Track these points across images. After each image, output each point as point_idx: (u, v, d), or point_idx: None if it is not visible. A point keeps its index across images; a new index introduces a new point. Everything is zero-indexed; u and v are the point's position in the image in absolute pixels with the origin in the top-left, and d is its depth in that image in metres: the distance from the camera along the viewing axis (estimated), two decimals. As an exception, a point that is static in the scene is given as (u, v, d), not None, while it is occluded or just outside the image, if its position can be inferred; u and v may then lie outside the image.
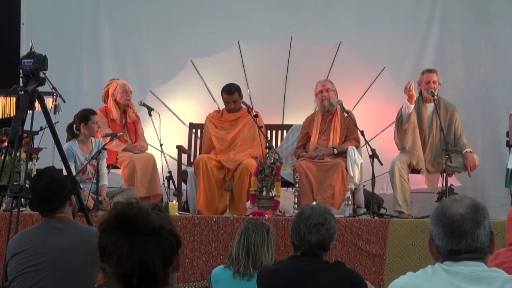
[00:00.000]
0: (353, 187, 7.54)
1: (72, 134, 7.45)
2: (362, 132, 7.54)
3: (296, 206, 7.09)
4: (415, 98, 7.50)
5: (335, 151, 7.76)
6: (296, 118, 8.58)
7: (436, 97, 7.47)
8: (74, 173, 6.37)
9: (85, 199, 6.44)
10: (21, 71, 4.90)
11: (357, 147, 7.79)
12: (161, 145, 7.81)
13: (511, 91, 8.94)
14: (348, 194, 7.41)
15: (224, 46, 9.04)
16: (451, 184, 7.71)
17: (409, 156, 7.50)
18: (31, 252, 4.07)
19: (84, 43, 9.67)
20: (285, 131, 8.66)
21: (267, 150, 7.45)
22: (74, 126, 7.43)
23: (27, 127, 5.03)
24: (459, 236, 2.59)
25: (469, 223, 2.60)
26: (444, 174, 7.29)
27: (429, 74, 7.60)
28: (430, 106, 7.62)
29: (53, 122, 5.51)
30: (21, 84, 5.08)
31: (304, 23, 9.33)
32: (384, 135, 8.16)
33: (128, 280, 2.03)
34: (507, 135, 8.02)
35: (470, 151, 7.49)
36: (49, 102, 7.83)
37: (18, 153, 5.46)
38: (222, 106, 8.40)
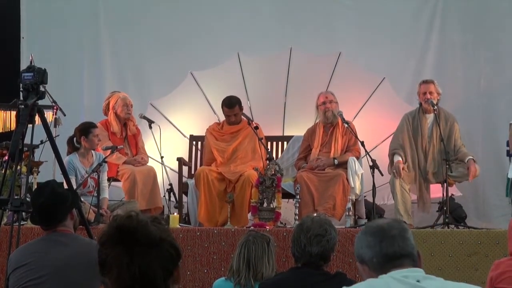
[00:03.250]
0: (354, 197, 7.54)
1: (72, 147, 7.45)
2: (362, 143, 7.53)
3: (297, 217, 7.08)
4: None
5: (336, 161, 7.76)
6: (297, 129, 8.57)
7: (436, 107, 7.48)
8: (74, 187, 6.37)
9: (86, 212, 6.44)
10: (21, 85, 4.90)
11: (357, 158, 7.79)
12: (161, 157, 7.81)
13: (511, 101, 8.95)
14: (349, 204, 7.40)
15: (224, 58, 9.05)
16: (452, 194, 7.71)
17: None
18: (33, 266, 4.05)
19: (84, 57, 9.69)
20: (285, 143, 8.65)
21: (268, 162, 7.45)
22: (75, 139, 7.42)
23: (27, 141, 5.02)
24: (391, 238, 2.57)
25: (397, 228, 2.60)
26: (445, 184, 7.28)
27: (426, 85, 7.65)
28: (430, 117, 7.63)
29: (54, 136, 5.51)
30: (21, 98, 5.07)
31: (304, 35, 9.34)
32: (384, 145, 8.14)
33: (129, 293, 2.03)
34: (507, 145, 8.01)
35: (473, 159, 7.48)
36: (49, 115, 7.85)
37: (18, 167, 5.46)
38: (222, 118, 8.39)
